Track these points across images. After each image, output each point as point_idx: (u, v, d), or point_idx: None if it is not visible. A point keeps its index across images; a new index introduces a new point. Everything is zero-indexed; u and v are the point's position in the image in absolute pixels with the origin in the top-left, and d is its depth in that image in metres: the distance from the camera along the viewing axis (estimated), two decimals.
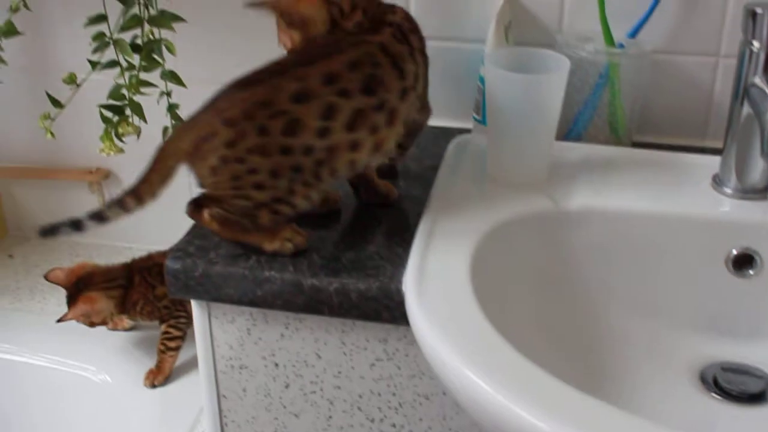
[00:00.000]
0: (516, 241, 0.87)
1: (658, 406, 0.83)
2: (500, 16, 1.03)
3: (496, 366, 0.69)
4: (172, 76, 1.10)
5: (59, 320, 1.19)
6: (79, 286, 1.20)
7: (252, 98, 0.80)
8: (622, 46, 1.03)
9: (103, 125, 1.09)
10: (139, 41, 1.07)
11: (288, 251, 0.85)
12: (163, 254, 1.23)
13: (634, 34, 1.03)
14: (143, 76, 1.07)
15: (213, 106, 0.81)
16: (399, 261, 0.83)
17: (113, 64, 1.07)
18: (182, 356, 1.23)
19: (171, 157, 0.82)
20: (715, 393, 0.84)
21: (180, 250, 0.87)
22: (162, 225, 1.04)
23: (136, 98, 1.08)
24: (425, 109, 0.91)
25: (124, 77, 1.07)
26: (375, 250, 0.85)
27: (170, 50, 1.08)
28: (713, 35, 1.05)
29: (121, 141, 1.10)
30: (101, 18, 1.05)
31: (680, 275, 0.90)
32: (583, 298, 0.90)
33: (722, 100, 1.06)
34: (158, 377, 1.20)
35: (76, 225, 0.83)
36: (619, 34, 1.03)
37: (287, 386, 0.90)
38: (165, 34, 1.08)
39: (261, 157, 0.80)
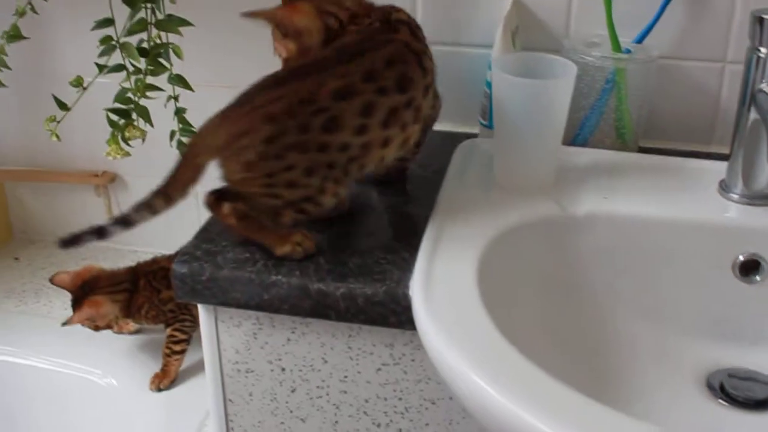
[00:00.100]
0: (523, 246, 0.87)
1: (664, 412, 0.83)
2: (507, 21, 1.04)
3: (502, 371, 0.69)
4: (179, 80, 1.10)
5: (64, 324, 1.19)
6: (85, 290, 1.20)
7: (294, 95, 0.80)
8: (628, 51, 1.03)
9: (108, 128, 1.09)
10: (145, 45, 1.07)
11: (298, 255, 0.85)
12: (168, 258, 1.24)
13: (641, 39, 1.03)
14: (150, 79, 1.07)
15: (249, 101, 0.81)
16: (406, 266, 0.83)
17: (120, 67, 1.07)
18: (187, 360, 1.23)
19: (202, 154, 0.82)
20: (722, 399, 0.84)
21: (187, 254, 0.87)
22: (167, 229, 1.04)
23: (143, 102, 1.08)
24: (437, 102, 0.92)
25: (130, 81, 1.07)
26: (382, 255, 0.85)
27: (177, 54, 1.08)
28: (720, 41, 1.05)
29: (128, 144, 1.10)
30: (108, 22, 1.05)
31: (687, 280, 0.90)
32: (589, 303, 0.90)
33: (729, 106, 1.06)
34: (164, 381, 1.20)
35: (100, 232, 0.82)
36: (625, 39, 1.03)
37: (293, 390, 0.90)
38: (172, 38, 1.08)
39: (299, 154, 0.80)
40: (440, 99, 0.92)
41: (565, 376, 0.68)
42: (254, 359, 0.90)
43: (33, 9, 1.10)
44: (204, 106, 1.02)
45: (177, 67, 1.10)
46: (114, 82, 1.08)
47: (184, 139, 1.11)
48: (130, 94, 1.07)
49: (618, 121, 1.04)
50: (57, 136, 1.11)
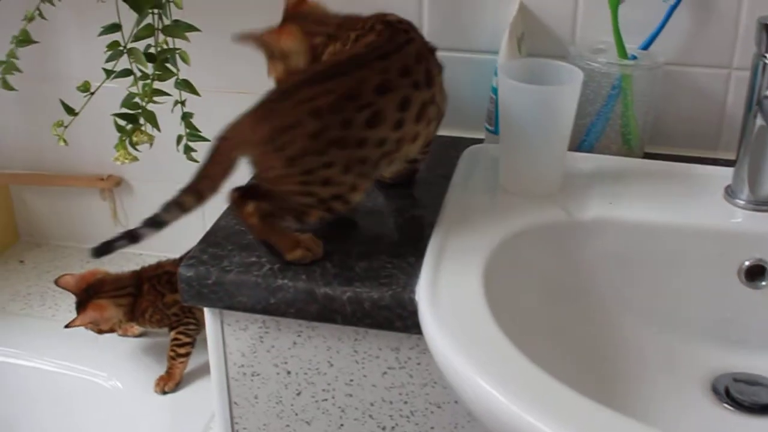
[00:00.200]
0: (529, 251, 0.87)
1: (669, 417, 0.83)
2: (513, 27, 1.04)
3: (509, 375, 0.69)
4: (186, 85, 1.10)
5: (67, 326, 1.19)
6: (89, 293, 1.21)
7: (340, 89, 0.80)
8: (634, 57, 1.03)
9: (114, 133, 1.10)
10: (152, 50, 1.07)
11: (307, 260, 0.85)
12: (173, 262, 1.24)
13: (646, 45, 1.04)
14: (156, 84, 1.08)
15: (292, 95, 0.81)
16: (412, 270, 0.83)
17: (127, 72, 1.07)
18: (192, 362, 1.23)
19: (238, 148, 0.81)
20: (727, 404, 0.84)
21: (193, 257, 0.87)
22: (172, 232, 1.03)
23: (150, 107, 1.08)
24: (446, 101, 0.92)
25: (137, 86, 1.08)
26: (388, 259, 0.86)
27: (184, 60, 1.08)
28: (726, 48, 1.05)
29: (135, 149, 1.10)
30: (115, 27, 1.05)
31: (693, 286, 0.90)
32: (595, 309, 0.90)
33: (734, 112, 1.06)
34: (169, 383, 1.21)
35: (132, 236, 0.82)
36: (632, 45, 1.03)
37: (299, 394, 0.90)
38: (179, 43, 1.08)
39: (339, 150, 0.80)
40: (447, 99, 0.92)
41: (570, 380, 0.68)
42: (260, 362, 0.90)
43: (41, 14, 1.11)
44: (210, 110, 1.02)
45: (183, 72, 1.10)
46: (120, 87, 1.08)
47: (192, 144, 1.11)
48: (137, 99, 1.08)
49: (624, 127, 1.05)
50: (65, 141, 1.11)
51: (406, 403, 0.88)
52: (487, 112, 1.09)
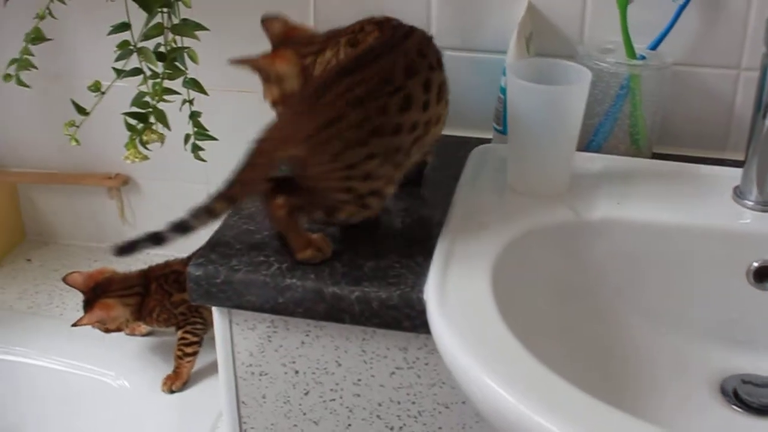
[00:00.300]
0: (537, 251, 0.87)
1: (677, 418, 0.83)
2: (521, 27, 1.04)
3: (517, 375, 0.69)
4: (194, 84, 1.10)
5: (74, 324, 1.19)
6: (97, 292, 1.21)
7: (374, 76, 0.81)
8: (643, 57, 1.03)
9: (122, 131, 1.10)
10: (162, 49, 1.07)
11: (317, 260, 0.85)
12: (180, 261, 1.24)
13: (655, 45, 1.03)
14: (166, 83, 1.08)
15: (330, 89, 0.81)
16: (420, 270, 0.83)
17: (137, 71, 1.07)
18: (199, 362, 1.23)
19: (279, 149, 0.81)
20: (735, 405, 0.84)
21: (202, 256, 0.87)
22: None
23: (160, 105, 1.09)
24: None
25: (147, 85, 1.08)
26: (396, 259, 0.86)
27: (193, 59, 1.09)
28: (735, 48, 1.05)
29: (146, 148, 1.11)
30: (125, 26, 1.06)
31: (701, 287, 0.90)
32: (603, 309, 0.90)
33: (743, 113, 1.06)
34: (176, 383, 1.21)
35: (157, 239, 0.82)
36: (640, 45, 1.03)
37: (307, 393, 0.90)
38: (187, 42, 1.08)
39: (378, 138, 0.80)
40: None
41: (578, 381, 0.68)
42: (268, 362, 0.90)
43: (51, 14, 1.11)
44: (217, 109, 1.02)
45: (191, 70, 1.11)
46: (130, 85, 1.08)
47: (200, 143, 1.11)
48: (147, 98, 1.08)
49: (632, 128, 1.04)
50: (77, 141, 1.11)
51: (414, 403, 0.88)
52: (495, 111, 1.09)
